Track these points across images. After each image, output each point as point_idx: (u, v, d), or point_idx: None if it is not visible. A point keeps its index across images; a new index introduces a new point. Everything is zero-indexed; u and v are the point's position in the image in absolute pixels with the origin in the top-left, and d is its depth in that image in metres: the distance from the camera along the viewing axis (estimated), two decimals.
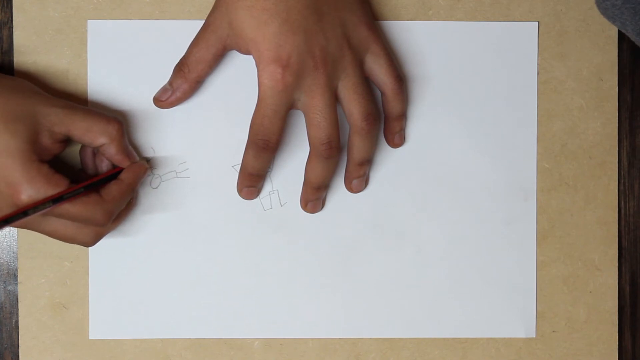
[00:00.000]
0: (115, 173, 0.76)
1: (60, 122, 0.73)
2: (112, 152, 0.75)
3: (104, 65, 0.79)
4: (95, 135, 0.74)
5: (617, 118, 0.81)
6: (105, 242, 0.79)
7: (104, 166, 0.77)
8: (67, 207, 0.72)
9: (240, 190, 0.79)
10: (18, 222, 0.71)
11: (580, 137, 0.80)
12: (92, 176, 0.76)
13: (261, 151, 0.75)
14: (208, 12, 0.76)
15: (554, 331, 0.81)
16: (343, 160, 0.79)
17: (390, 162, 0.80)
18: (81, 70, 0.79)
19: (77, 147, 0.78)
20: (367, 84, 0.76)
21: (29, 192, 0.71)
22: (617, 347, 0.81)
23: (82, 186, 0.72)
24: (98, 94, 0.79)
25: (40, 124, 0.72)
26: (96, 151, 0.77)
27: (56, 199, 0.71)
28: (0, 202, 0.71)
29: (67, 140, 0.75)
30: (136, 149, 0.79)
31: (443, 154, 0.80)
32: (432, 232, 0.80)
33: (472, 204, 0.80)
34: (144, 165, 0.77)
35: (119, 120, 0.75)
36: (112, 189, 0.75)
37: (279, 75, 0.73)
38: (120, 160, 0.76)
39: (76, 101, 0.78)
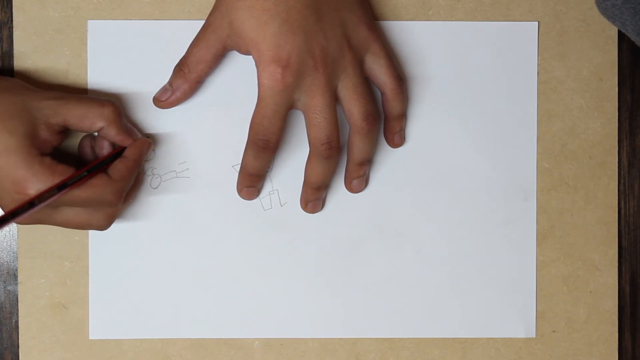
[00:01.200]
0: (118, 152, 0.76)
1: (55, 113, 0.73)
2: (112, 134, 0.75)
3: (104, 65, 0.79)
4: (92, 121, 0.74)
5: (617, 118, 0.81)
6: (105, 242, 0.79)
7: (104, 154, 0.77)
8: (77, 192, 0.72)
9: (240, 190, 0.79)
10: (29, 217, 0.71)
11: (580, 137, 0.80)
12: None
13: (261, 151, 0.75)
14: (208, 12, 0.76)
15: (554, 331, 0.81)
16: (343, 160, 0.79)
17: (390, 162, 0.80)
18: (81, 70, 0.79)
19: (77, 143, 0.78)
20: (367, 84, 0.76)
21: (36, 186, 0.71)
22: (617, 347, 0.81)
23: (85, 170, 0.72)
24: (98, 94, 0.78)
25: (36, 119, 0.72)
26: (93, 144, 0.77)
27: (61, 186, 0.71)
28: (8, 200, 0.72)
29: (65, 131, 0.75)
30: None
31: (443, 154, 0.80)
32: (432, 232, 0.80)
33: (472, 204, 0.80)
34: (147, 140, 0.77)
35: (113, 102, 0.75)
36: (119, 167, 0.75)
37: (279, 75, 0.73)
38: (122, 139, 0.76)
39: None
